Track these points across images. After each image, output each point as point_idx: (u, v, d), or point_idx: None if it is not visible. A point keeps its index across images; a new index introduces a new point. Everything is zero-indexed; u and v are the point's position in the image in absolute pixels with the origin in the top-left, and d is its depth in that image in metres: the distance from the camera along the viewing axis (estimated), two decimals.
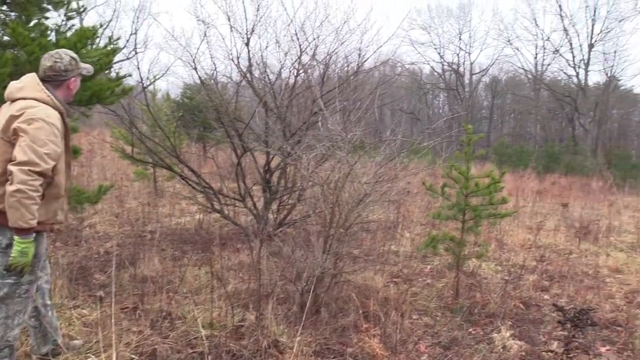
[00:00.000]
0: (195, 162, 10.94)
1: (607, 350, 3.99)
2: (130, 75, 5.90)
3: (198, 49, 6.49)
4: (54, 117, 2.74)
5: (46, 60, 2.88)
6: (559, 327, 3.94)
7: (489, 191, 4.77)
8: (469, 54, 41.63)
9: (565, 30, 35.24)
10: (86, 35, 4.49)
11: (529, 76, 40.20)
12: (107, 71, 5.20)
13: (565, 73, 37.72)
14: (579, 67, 35.45)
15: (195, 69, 6.55)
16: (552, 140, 35.50)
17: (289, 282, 4.36)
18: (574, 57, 35.49)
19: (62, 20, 5.12)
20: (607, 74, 35.65)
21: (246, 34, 6.50)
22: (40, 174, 2.59)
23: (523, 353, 3.82)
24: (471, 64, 42.07)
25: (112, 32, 7.28)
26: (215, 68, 6.78)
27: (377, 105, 5.69)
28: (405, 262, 6.05)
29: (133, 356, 3.28)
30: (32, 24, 4.77)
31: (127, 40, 7.55)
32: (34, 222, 2.59)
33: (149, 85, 6.97)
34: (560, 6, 35.03)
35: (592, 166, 24.12)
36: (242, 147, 6.66)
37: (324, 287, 4.23)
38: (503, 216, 5.12)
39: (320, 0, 7.81)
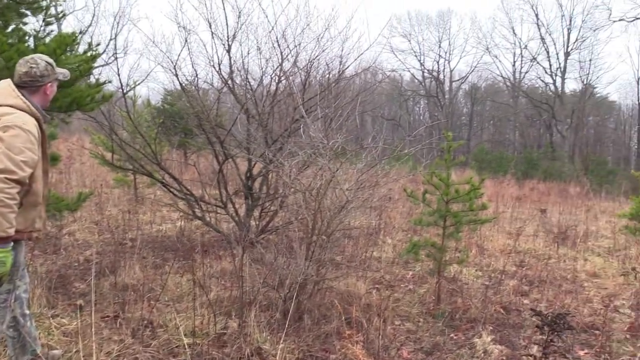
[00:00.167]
0: (177, 168, 10.86)
1: (586, 353, 4.06)
2: (110, 82, 5.87)
3: (179, 55, 6.50)
4: (31, 124, 2.71)
5: (21, 66, 2.84)
6: (538, 332, 4.00)
7: (469, 197, 4.83)
8: (449, 61, 42.21)
9: (542, 38, 36.02)
10: (66, 42, 4.44)
11: (508, 83, 40.86)
12: (87, 77, 5.15)
13: (542, 81, 38.51)
14: (556, 75, 36.25)
15: (177, 75, 6.53)
16: (531, 147, 36.10)
17: (272, 289, 4.35)
18: (550, 65, 36.31)
19: (41, 26, 5.06)
20: (583, 82, 36.51)
21: (227, 40, 6.51)
22: (17, 181, 2.56)
23: (504, 357, 3.87)
24: (451, 71, 42.67)
25: (92, 38, 7.23)
26: (197, 74, 6.77)
27: (359, 112, 5.71)
28: (388, 268, 6.08)
29: None
30: (10, 29, 4.71)
31: (107, 45, 7.50)
32: (11, 231, 2.55)
33: (129, 90, 6.92)
34: (537, 15, 35.84)
35: (570, 172, 24.57)
36: (223, 153, 6.64)
37: (307, 293, 4.23)
38: (483, 222, 5.18)
39: (301, 7, 7.86)
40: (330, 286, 4.61)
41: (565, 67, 35.64)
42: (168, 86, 9.98)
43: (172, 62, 6.45)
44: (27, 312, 3.13)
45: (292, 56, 6.50)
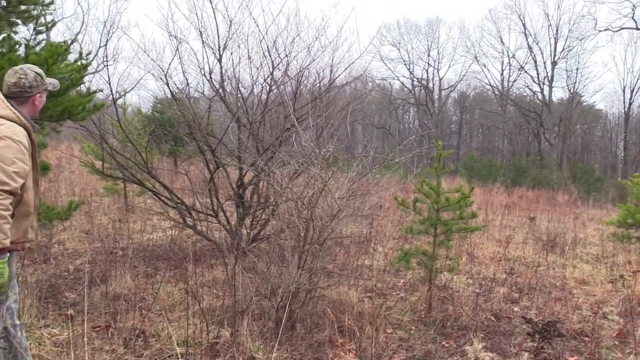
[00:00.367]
0: (167, 177, 10.83)
1: None
2: (101, 91, 5.86)
3: (170, 64, 6.48)
4: (21, 134, 2.70)
5: (10, 77, 2.83)
6: (529, 339, 4.04)
7: (459, 206, 4.88)
8: (438, 70, 42.55)
9: (529, 47, 36.45)
10: (58, 51, 4.43)
11: (496, 92, 41.22)
12: (78, 86, 5.14)
13: (530, 89, 38.90)
14: (543, 84, 36.67)
15: (167, 83, 6.53)
16: (519, 155, 36.45)
17: (264, 297, 4.36)
18: (538, 74, 36.72)
19: (32, 35, 5.05)
20: (570, 91, 36.89)
21: (218, 49, 6.53)
22: (10, 192, 2.55)
23: None
24: (440, 79, 43.02)
25: (82, 46, 7.18)
26: (188, 83, 6.77)
27: (349, 120, 5.75)
28: (379, 276, 6.10)
29: None
30: (0, 38, 4.70)
31: (96, 53, 7.48)
32: (7, 242, 2.54)
33: (119, 98, 6.90)
34: (524, 25, 36.26)
35: (558, 180, 24.77)
36: (215, 162, 6.64)
37: (299, 302, 4.23)
38: (473, 230, 5.23)
39: (292, 17, 7.87)
40: (323, 295, 4.62)
41: (552, 76, 36.07)
42: (158, 94, 9.97)
43: (163, 71, 6.46)
44: (18, 322, 3.10)
45: (283, 65, 6.53)
